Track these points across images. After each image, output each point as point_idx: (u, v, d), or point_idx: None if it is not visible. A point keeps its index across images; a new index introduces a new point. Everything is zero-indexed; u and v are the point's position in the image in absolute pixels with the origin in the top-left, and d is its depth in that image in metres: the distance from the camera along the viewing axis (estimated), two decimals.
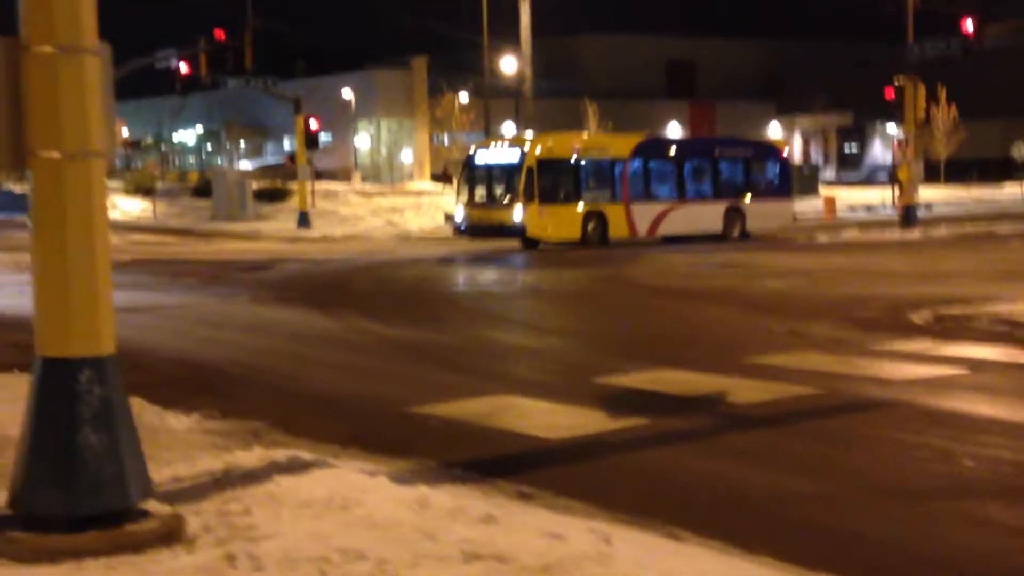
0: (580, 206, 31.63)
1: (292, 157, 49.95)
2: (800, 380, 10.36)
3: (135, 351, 13.55)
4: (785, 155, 37.83)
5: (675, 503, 6.71)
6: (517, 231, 30.70)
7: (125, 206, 57.34)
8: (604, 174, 32.86)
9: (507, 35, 51.64)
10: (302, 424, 9.03)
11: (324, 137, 70.85)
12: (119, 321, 14.60)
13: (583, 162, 32.25)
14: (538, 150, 31.12)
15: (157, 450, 8.01)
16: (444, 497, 6.33)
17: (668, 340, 13.99)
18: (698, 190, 34.60)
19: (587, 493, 6.81)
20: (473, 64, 61.82)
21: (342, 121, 72.07)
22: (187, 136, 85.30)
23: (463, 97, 65.87)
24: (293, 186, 52.95)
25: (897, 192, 42.59)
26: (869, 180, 78.68)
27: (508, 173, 31.24)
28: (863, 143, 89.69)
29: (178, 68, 41.71)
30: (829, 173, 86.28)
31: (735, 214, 34.32)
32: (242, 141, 76.93)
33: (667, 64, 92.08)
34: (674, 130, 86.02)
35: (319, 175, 60.93)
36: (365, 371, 12.03)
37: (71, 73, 5.75)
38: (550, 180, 31.15)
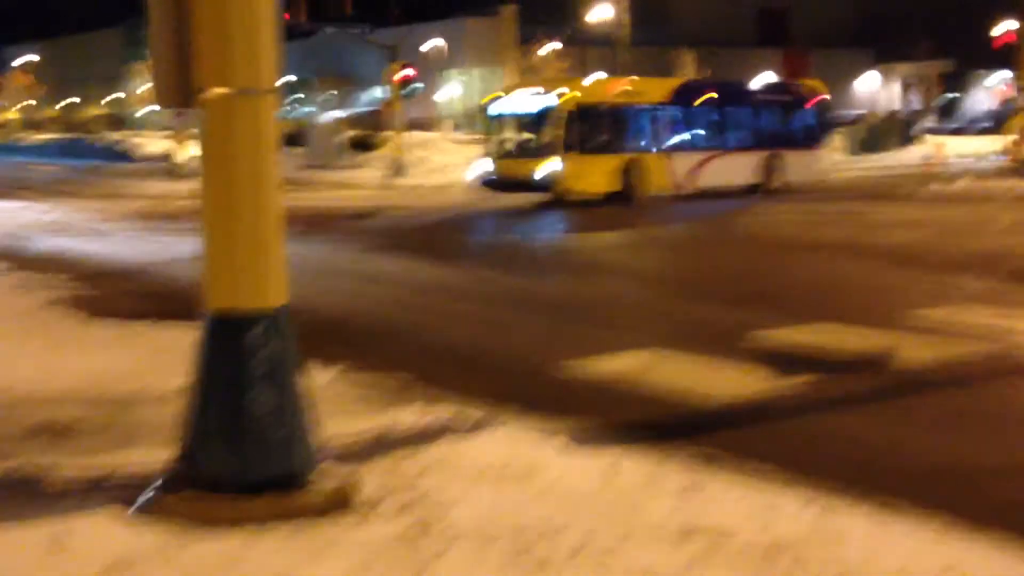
0: (619, 156, 28.63)
1: (386, 105, 49.60)
2: (972, 336, 9.72)
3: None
4: (822, 99, 34.85)
5: (878, 472, 6.18)
6: (549, 184, 27.49)
7: None
8: (643, 121, 30.12)
9: None
10: (447, 379, 8.60)
11: (415, 85, 70.48)
12: None
13: (621, 108, 29.38)
14: (574, 95, 28.19)
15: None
16: (632, 463, 5.86)
17: (812, 293, 13.30)
18: (738, 138, 31.76)
19: (776, 458, 6.29)
20: (564, 12, 60.90)
21: (432, 69, 71.58)
22: None
23: (553, 46, 64.96)
24: (385, 135, 52.73)
25: (1013, 140, 41.07)
26: (963, 130, 76.49)
27: (539, 121, 28.35)
28: (963, 91, 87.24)
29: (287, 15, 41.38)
30: (928, 123, 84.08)
31: (776, 163, 31.74)
32: (330, 91, 76.80)
33: (759, 11, 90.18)
34: (767, 80, 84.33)
35: (409, 124, 60.62)
36: (497, 324, 11.59)
37: (241, 3, 5.32)
38: (586, 128, 28.07)
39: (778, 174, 31.67)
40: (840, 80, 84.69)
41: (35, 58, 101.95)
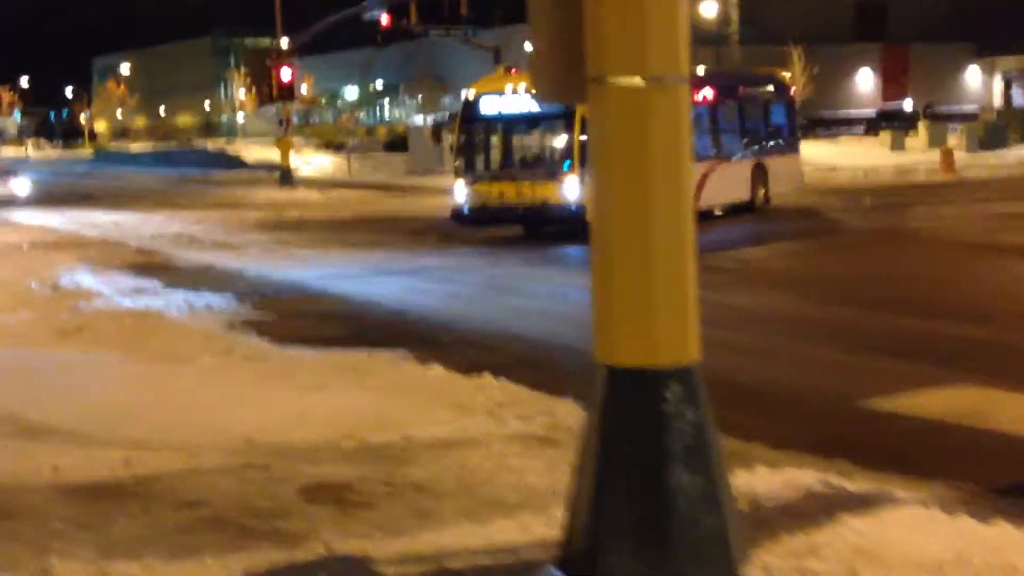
0: None
1: None
2: None
3: (444, 322, 12.10)
4: (792, 93, 28.90)
5: None
6: (573, 214, 19.09)
7: (315, 162, 56.91)
8: None
9: None
10: (753, 425, 7.30)
11: None
12: (452, 287, 12.39)
13: None
14: None
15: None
16: None
17: None
18: (732, 144, 24.55)
19: None
20: None
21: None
22: (352, 92, 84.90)
23: None
24: None
25: None
26: None
27: (545, 127, 21.17)
28: None
29: (379, 19, 40.52)
30: None
31: (761, 175, 24.83)
32: (420, 95, 76.04)
33: (857, 5, 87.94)
34: (865, 77, 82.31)
35: None
36: (768, 351, 10.19)
37: None
38: None
39: (762, 187, 24.85)
40: (940, 75, 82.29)
41: (126, 68, 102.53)
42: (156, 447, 6.89)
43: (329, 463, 6.44)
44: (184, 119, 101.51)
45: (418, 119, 66.71)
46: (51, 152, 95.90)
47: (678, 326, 4.16)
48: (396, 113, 78.07)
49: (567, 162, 19.97)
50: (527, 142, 21.72)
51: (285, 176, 42.30)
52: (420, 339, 10.92)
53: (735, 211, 23.24)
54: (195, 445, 6.89)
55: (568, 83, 4.23)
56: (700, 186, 21.79)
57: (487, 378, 8.08)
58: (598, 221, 4.23)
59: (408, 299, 13.87)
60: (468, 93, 22.00)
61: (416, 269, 16.90)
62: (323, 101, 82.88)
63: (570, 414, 7.39)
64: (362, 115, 79.40)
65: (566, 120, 20.03)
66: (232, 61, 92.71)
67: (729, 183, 23.35)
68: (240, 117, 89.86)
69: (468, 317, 12.46)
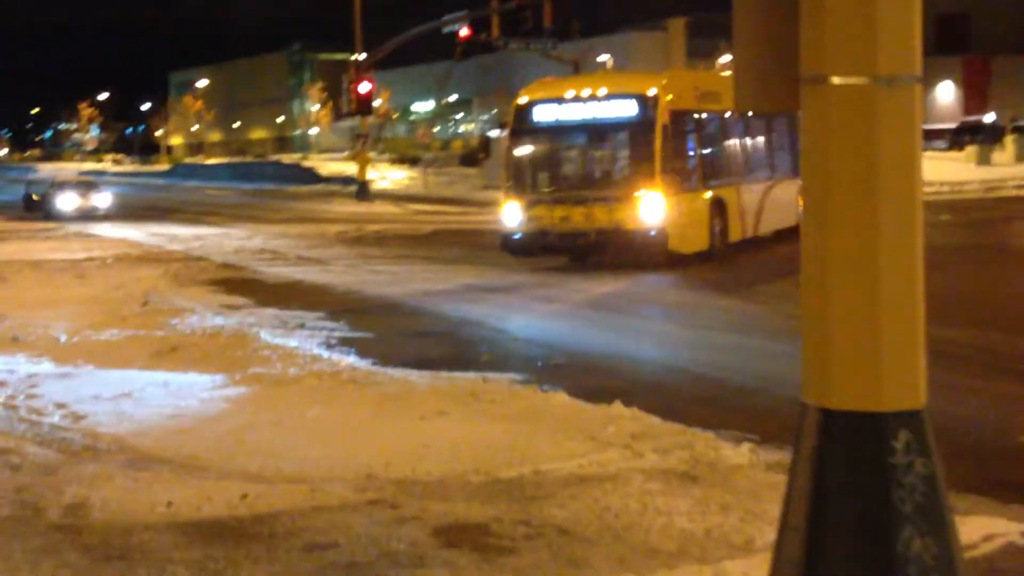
0: (706, 192, 18.54)
1: None
2: None
3: (551, 343, 11.57)
4: None
5: None
6: (653, 241, 16.77)
7: (391, 176, 56.84)
8: (717, 137, 20.06)
9: None
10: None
11: None
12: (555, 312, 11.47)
13: (703, 116, 19.12)
14: (668, 96, 17.57)
15: (755, 503, 5.86)
16: None
17: None
18: (779, 160, 21.66)
19: None
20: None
21: None
22: (426, 106, 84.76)
23: (724, 60, 62.67)
24: None
25: None
26: None
27: (618, 137, 18.12)
28: None
29: (458, 31, 40.20)
30: None
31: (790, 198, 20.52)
32: (495, 109, 75.76)
33: (937, 16, 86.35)
34: (946, 90, 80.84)
35: None
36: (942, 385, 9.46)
37: None
38: (679, 147, 18.07)
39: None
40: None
41: (203, 82, 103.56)
42: (272, 479, 6.46)
43: (460, 500, 5.95)
44: (258, 133, 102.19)
45: (493, 133, 66.46)
46: (129, 166, 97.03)
47: (907, 364, 3.59)
48: (470, 127, 77.83)
49: (646, 178, 16.96)
50: (595, 155, 18.63)
51: (362, 190, 42.15)
52: (529, 361, 10.44)
53: (780, 236, 20.27)
54: (314, 478, 6.44)
55: (775, 88, 3.69)
56: (760, 207, 20.16)
57: (617, 407, 7.55)
58: (812, 241, 3.68)
59: (508, 318, 13.38)
60: (520, 99, 18.35)
61: (510, 286, 16.39)
62: (396, 115, 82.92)
63: (710, 447, 6.85)
64: (436, 129, 79.32)
65: (644, 127, 17.21)
66: (307, 75, 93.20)
67: (779, 206, 20.66)
68: (314, 131, 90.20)
69: (576, 338, 11.94)
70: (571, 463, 6.50)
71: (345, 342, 11.70)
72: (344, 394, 8.56)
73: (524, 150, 18.55)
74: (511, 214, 18.14)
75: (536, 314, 13.76)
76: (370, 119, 44.78)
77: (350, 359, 10.43)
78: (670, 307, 14.40)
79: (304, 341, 11.67)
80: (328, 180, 55.06)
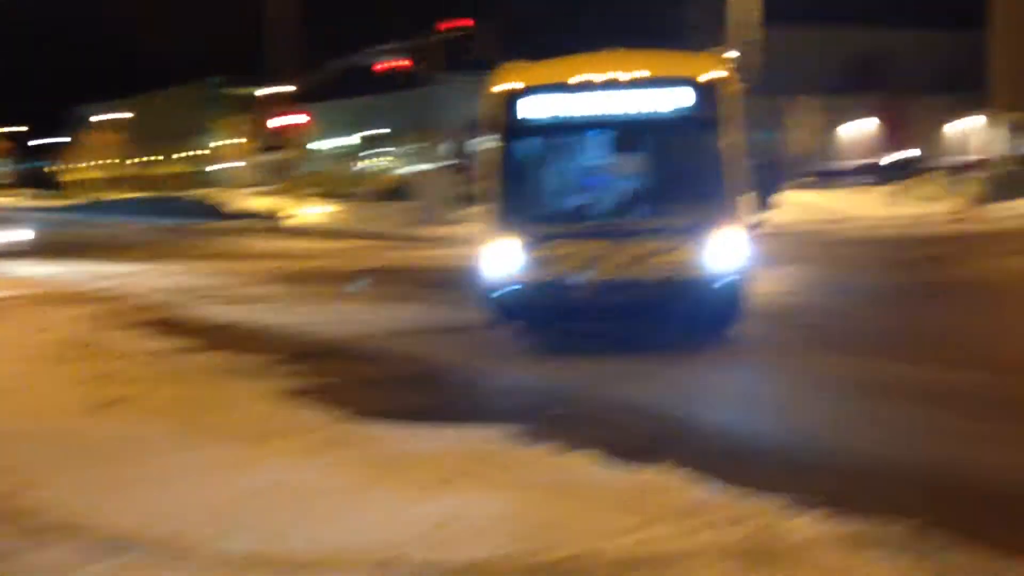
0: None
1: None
2: None
3: (542, 390, 10.61)
4: None
5: None
6: (724, 292, 12.05)
7: (313, 211, 55.62)
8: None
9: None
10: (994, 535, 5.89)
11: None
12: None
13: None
14: (734, 85, 12.64)
15: None
16: None
17: None
18: None
19: None
20: None
21: None
22: (345, 140, 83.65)
23: None
24: None
25: None
26: None
27: (663, 139, 12.64)
28: None
29: (381, 65, 39.46)
30: None
31: None
32: (418, 144, 74.92)
33: (857, 55, 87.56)
34: (864, 127, 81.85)
35: None
36: (932, 429, 8.73)
37: None
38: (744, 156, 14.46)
39: None
40: (939, 126, 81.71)
41: (118, 115, 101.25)
42: (266, 565, 5.45)
43: None
44: (175, 167, 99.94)
45: (417, 167, 65.51)
46: (44, 201, 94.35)
47: None
48: (393, 162, 76.81)
49: (715, 200, 11.91)
50: (632, 167, 12.68)
51: (284, 225, 41.04)
52: (523, 411, 9.47)
53: None
54: (312, 564, 5.45)
55: None
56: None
57: (659, 473, 6.65)
58: None
59: (482, 361, 12.42)
60: (505, 85, 12.38)
61: (470, 326, 15.40)
62: (317, 149, 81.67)
63: (772, 518, 5.98)
64: (357, 164, 78.21)
65: (705, 126, 12.04)
66: (224, 109, 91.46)
67: None
68: (232, 166, 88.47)
69: (568, 383, 10.95)
70: (624, 541, 5.60)
71: (312, 391, 10.64)
72: (330, 456, 7.56)
73: (519, 161, 12.65)
74: (502, 256, 12.15)
75: (516, 356, 12.76)
76: (293, 153, 43.80)
77: (322, 413, 9.39)
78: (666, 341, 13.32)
79: (263, 391, 10.61)
80: (246, 215, 53.75)
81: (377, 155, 78.85)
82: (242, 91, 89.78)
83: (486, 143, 12.76)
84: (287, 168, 42.42)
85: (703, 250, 11.88)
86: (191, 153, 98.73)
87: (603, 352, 12.20)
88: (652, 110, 12.39)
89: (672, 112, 12.33)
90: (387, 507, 6.33)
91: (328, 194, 58.26)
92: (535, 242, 12.12)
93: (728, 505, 6.16)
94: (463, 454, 7.38)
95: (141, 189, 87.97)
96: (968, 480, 7.14)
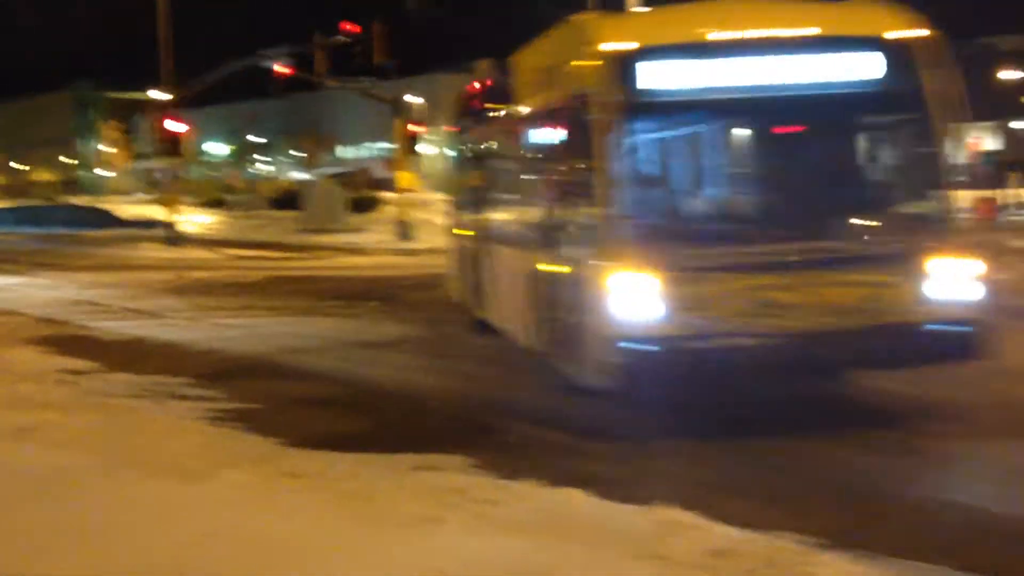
0: None
1: (389, 163, 47.13)
2: None
3: (484, 409, 9.85)
4: None
5: None
6: (958, 338, 8.34)
7: (196, 219, 54.03)
8: None
9: None
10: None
11: (385, 144, 67.61)
12: None
13: None
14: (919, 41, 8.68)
15: None
16: None
17: None
18: None
19: None
20: None
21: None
22: (224, 147, 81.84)
23: None
24: (383, 195, 50.12)
25: None
26: None
27: (840, 120, 9.14)
28: None
29: (273, 68, 38.27)
30: None
31: None
32: (307, 149, 73.63)
33: None
34: None
35: (376, 184, 57.48)
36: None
37: None
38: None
39: None
40: None
41: None
42: None
43: None
44: (44, 175, 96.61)
45: (303, 175, 64.27)
46: None
47: None
48: (278, 169, 75.31)
49: (934, 213, 8.64)
50: (808, 164, 9.12)
51: (172, 234, 39.59)
52: (472, 435, 8.77)
53: None
54: None
55: None
56: None
57: (664, 511, 6.01)
58: None
59: (415, 380, 11.68)
60: (614, 47, 8.58)
61: (393, 341, 14.69)
62: (200, 156, 79.73)
63: (798, 560, 5.42)
64: (243, 171, 76.57)
65: (911, 99, 8.54)
66: (97, 114, 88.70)
67: None
68: (106, 173, 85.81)
69: (512, 402, 10.30)
70: None
71: (235, 416, 9.82)
72: (285, 492, 6.79)
73: (641, 157, 9.04)
74: (631, 295, 8.17)
75: (445, 374, 12.04)
76: (178, 160, 42.25)
77: (262, 440, 8.59)
78: None
79: (186, 416, 9.76)
80: (130, 224, 51.94)
81: (264, 162, 77.32)
82: (115, 95, 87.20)
83: (573, 133, 9.08)
84: (168, 175, 40.92)
85: (927, 283, 8.25)
86: (63, 160, 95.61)
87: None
88: (835, 81, 8.57)
89: (864, 85, 8.59)
90: (370, 553, 5.60)
91: (213, 202, 56.74)
92: (676, 277, 8.06)
93: (746, 544, 5.57)
94: (435, 490, 6.67)
95: (12, 198, 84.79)
96: None
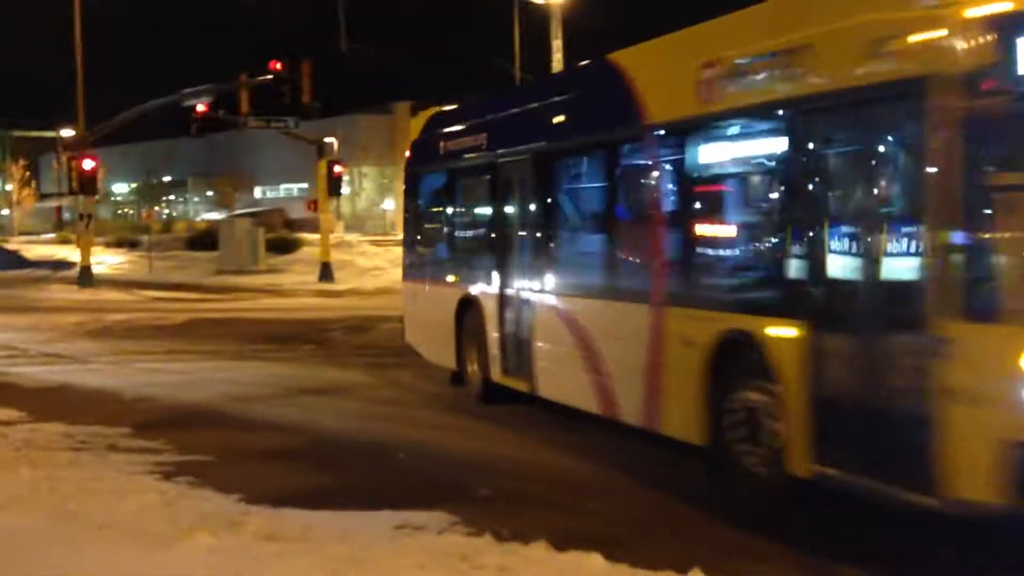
0: None
1: (311, 203, 46.47)
2: None
3: (455, 464, 9.30)
4: None
5: None
6: None
7: (107, 260, 52.58)
8: None
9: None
10: None
11: (303, 184, 66.74)
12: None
13: None
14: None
15: None
16: None
17: None
18: None
19: None
20: None
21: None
22: (121, 187, 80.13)
23: None
24: (302, 236, 49.24)
25: None
26: None
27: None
28: None
29: (195, 107, 37.39)
30: None
31: None
32: (221, 189, 72.27)
33: None
34: None
35: (290, 225, 56.58)
36: None
37: None
38: None
39: None
40: None
41: None
42: None
43: None
44: None
45: (216, 215, 62.99)
46: None
47: None
48: (191, 209, 73.82)
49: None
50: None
51: (84, 275, 38.33)
52: (448, 490, 8.18)
53: None
54: None
55: None
56: None
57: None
58: None
59: (374, 428, 11.07)
60: (988, 9, 5.80)
61: (340, 387, 14.03)
62: (112, 195, 77.97)
63: None
64: (158, 210, 74.94)
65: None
66: (0, 153, 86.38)
67: None
68: (7, 212, 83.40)
69: (479, 454, 9.75)
70: None
71: (186, 471, 9.10)
72: (267, 560, 6.13)
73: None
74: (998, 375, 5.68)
75: (405, 423, 11.43)
76: (85, 199, 40.99)
77: (222, 499, 7.91)
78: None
79: (136, 471, 9.02)
80: (37, 264, 50.34)
81: (179, 201, 75.79)
82: (19, 133, 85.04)
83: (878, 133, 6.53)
84: (90, 214, 39.77)
85: None
86: None
87: None
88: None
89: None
90: None
91: (124, 242, 55.37)
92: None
93: None
94: (435, 554, 6.08)
95: None
96: None
